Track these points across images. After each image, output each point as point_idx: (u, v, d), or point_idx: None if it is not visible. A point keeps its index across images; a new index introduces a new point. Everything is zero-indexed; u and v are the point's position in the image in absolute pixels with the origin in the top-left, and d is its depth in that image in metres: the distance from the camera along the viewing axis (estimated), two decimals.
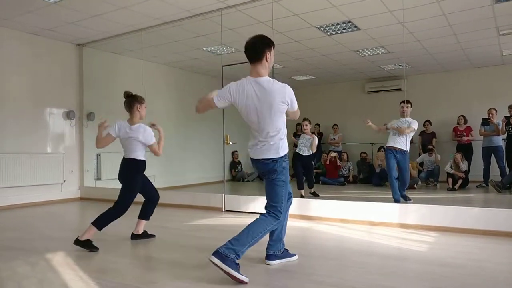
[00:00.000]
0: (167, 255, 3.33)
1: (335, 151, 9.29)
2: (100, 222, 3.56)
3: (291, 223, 4.71)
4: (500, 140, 7.36)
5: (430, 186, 7.93)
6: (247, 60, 2.89)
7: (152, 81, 8.17)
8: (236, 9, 5.55)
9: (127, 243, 3.80)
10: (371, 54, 7.78)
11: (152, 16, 5.90)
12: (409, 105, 5.61)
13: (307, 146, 6.38)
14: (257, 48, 2.73)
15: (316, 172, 8.61)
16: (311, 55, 7.88)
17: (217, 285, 2.56)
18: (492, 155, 7.37)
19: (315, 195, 6.21)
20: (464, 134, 8.14)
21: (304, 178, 6.42)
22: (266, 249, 3.05)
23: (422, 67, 8.89)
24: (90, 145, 7.39)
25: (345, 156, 9.22)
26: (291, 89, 2.76)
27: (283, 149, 2.80)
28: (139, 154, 3.83)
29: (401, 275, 2.77)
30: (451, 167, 7.44)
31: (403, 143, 5.36)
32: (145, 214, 4.00)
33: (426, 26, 6.11)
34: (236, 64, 6.73)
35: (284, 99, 2.70)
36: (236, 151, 10.03)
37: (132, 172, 3.80)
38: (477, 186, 7.47)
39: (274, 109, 2.68)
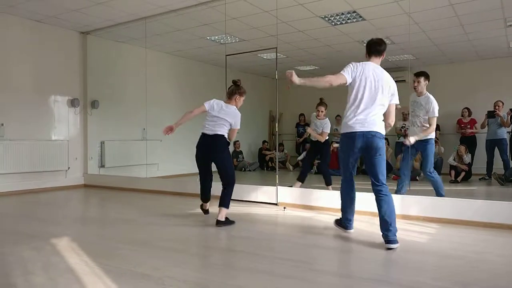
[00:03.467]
0: (170, 242, 3.37)
1: (338, 142, 9.29)
2: (225, 202, 3.98)
3: (292, 212, 4.75)
4: (504, 133, 7.34)
5: None
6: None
7: (156, 70, 8.16)
8: None
9: (132, 229, 3.85)
10: None
11: (156, 4, 5.87)
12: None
13: (318, 132, 5.95)
14: (383, 47, 3.43)
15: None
16: (315, 45, 7.83)
17: (218, 272, 2.60)
18: (496, 148, 7.36)
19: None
20: (468, 126, 8.12)
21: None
22: (387, 234, 3.17)
23: (427, 59, 8.82)
24: (94, 132, 7.44)
25: None
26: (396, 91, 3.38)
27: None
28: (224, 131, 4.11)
29: (402, 265, 2.80)
30: (454, 159, 7.43)
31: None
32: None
33: (433, 16, 6.04)
34: (240, 53, 6.71)
35: (391, 87, 3.32)
36: (238, 140, 10.04)
37: (224, 145, 4.10)
38: (480, 179, 7.46)
39: (385, 90, 3.26)
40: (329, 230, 3.83)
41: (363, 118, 3.21)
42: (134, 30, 6.93)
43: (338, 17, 6.21)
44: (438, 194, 4.57)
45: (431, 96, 4.64)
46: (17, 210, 5.05)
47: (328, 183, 5.92)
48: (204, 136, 4.09)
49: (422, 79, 4.66)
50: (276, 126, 6.05)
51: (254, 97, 10.61)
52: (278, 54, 5.79)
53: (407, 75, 8.88)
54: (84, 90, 7.38)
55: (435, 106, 4.54)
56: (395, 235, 3.16)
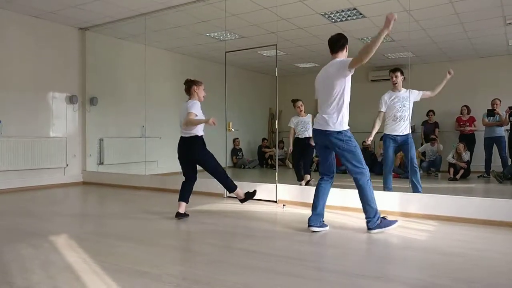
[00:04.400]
0: (170, 240, 3.36)
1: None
2: (229, 187, 4.32)
3: (292, 209, 4.75)
4: (502, 131, 7.36)
5: (431, 175, 7.94)
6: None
7: (155, 67, 8.13)
8: None
9: (131, 227, 3.84)
10: None
11: (156, 0, 5.85)
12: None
13: (307, 128, 6.00)
14: (341, 42, 3.70)
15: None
16: (315, 43, 7.81)
17: (217, 269, 2.59)
18: (494, 145, 7.37)
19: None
20: (467, 124, 8.12)
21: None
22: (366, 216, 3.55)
23: (427, 56, 8.82)
24: (92, 129, 7.42)
25: None
26: (343, 59, 3.53)
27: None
28: (198, 129, 4.19)
29: (401, 262, 2.80)
30: (453, 157, 7.44)
31: None
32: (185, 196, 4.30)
33: (432, 14, 6.04)
34: (240, 50, 6.69)
35: (336, 69, 3.50)
36: (237, 138, 10.03)
37: (199, 147, 4.21)
38: (478, 177, 7.48)
39: (332, 82, 3.48)
40: (328, 228, 3.82)
41: (319, 117, 3.56)
42: (133, 26, 6.90)
43: (338, 14, 6.20)
44: (416, 188, 4.76)
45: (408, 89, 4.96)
46: (16, 208, 5.04)
47: (299, 178, 6.08)
48: (181, 139, 4.26)
49: (399, 73, 4.94)
50: (276, 123, 6.03)
51: (254, 94, 10.62)
52: (278, 51, 5.77)
53: (407, 73, 8.90)
54: (83, 86, 7.35)
55: (416, 91, 5.00)
56: (375, 216, 3.50)
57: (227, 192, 5.60)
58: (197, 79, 4.38)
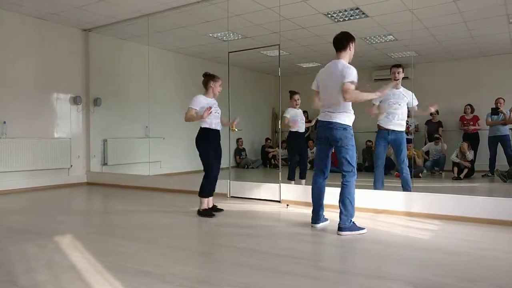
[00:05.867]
0: (173, 240, 3.37)
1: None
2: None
3: (295, 209, 4.75)
4: (507, 129, 7.33)
5: (435, 175, 7.91)
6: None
7: (158, 67, 8.15)
8: None
9: (134, 227, 3.86)
10: (378, 41, 7.70)
11: (159, 1, 5.86)
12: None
13: (303, 122, 5.97)
14: (344, 39, 3.47)
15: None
16: (318, 42, 7.81)
17: (220, 268, 2.60)
18: (499, 144, 7.34)
19: None
20: (471, 123, 8.09)
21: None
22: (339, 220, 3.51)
23: (430, 55, 8.79)
24: (96, 130, 7.45)
25: None
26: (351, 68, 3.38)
27: None
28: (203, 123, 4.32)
29: (405, 262, 2.79)
30: (457, 156, 7.41)
31: None
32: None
33: (436, 13, 6.02)
34: (243, 50, 6.70)
35: (341, 73, 3.37)
36: (241, 138, 10.04)
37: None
38: (482, 176, 7.45)
39: (335, 81, 3.42)
40: (331, 227, 3.82)
41: (324, 111, 3.55)
42: (137, 27, 6.92)
43: (341, 14, 6.19)
44: (405, 188, 4.67)
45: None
46: (21, 208, 5.07)
47: (292, 177, 5.90)
48: (213, 131, 4.32)
49: (401, 69, 4.74)
50: (279, 123, 6.04)
51: (257, 94, 10.62)
52: (281, 51, 5.77)
53: (410, 72, 8.86)
54: (87, 87, 7.38)
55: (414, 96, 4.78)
56: (346, 222, 3.45)
57: (230, 191, 5.62)
58: (216, 75, 4.44)
